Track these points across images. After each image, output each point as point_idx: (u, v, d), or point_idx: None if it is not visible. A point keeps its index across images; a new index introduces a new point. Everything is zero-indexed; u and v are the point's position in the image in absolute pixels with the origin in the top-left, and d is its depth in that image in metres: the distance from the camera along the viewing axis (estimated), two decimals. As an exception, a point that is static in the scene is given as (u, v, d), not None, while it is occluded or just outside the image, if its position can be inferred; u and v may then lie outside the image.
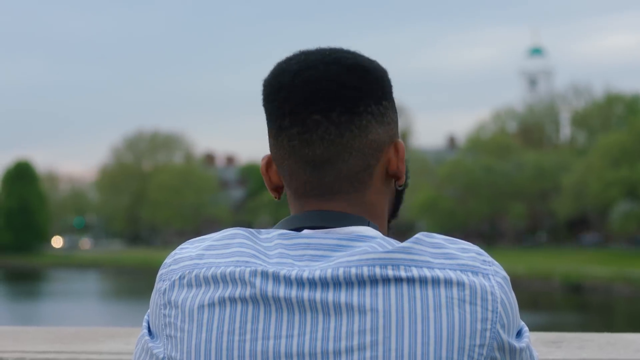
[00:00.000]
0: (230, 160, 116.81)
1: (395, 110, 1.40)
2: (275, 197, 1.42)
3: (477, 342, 1.21)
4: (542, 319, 32.40)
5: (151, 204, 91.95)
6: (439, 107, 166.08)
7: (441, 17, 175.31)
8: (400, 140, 1.38)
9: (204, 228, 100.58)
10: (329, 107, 1.31)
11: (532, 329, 1.98)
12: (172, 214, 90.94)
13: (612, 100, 76.56)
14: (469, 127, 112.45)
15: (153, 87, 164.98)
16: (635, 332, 2.48)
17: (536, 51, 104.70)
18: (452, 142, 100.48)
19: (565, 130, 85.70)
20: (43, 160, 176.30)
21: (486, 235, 75.72)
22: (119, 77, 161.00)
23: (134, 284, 63.58)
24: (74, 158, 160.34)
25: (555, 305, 44.84)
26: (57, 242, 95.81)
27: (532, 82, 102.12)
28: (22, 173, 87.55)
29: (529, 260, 58.50)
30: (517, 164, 73.02)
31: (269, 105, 1.36)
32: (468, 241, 1.29)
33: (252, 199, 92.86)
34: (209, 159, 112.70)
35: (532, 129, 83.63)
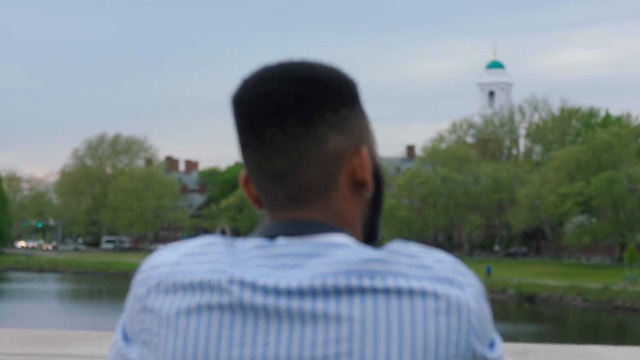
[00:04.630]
0: (191, 165, 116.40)
1: (362, 117, 1.40)
2: (258, 208, 1.43)
3: (452, 352, 1.22)
4: (500, 329, 32.99)
5: (111, 208, 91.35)
6: (401, 119, 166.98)
7: (403, 30, 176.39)
8: (364, 147, 1.37)
9: (164, 233, 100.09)
10: (282, 119, 1.32)
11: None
12: (133, 218, 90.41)
13: (567, 115, 77.26)
14: (428, 139, 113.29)
15: (116, 93, 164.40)
16: (600, 344, 2.64)
17: (495, 64, 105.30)
18: (411, 151, 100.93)
19: (522, 143, 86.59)
20: (4, 163, 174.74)
21: (443, 246, 75.97)
22: (82, 82, 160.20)
23: (91, 286, 63.67)
24: (36, 161, 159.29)
25: (510, 315, 45.37)
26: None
27: (491, 95, 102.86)
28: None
29: (484, 271, 59.23)
30: (474, 175, 73.39)
31: (234, 120, 1.38)
32: None
33: (212, 204, 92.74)
34: (171, 163, 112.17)
35: (489, 141, 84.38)
